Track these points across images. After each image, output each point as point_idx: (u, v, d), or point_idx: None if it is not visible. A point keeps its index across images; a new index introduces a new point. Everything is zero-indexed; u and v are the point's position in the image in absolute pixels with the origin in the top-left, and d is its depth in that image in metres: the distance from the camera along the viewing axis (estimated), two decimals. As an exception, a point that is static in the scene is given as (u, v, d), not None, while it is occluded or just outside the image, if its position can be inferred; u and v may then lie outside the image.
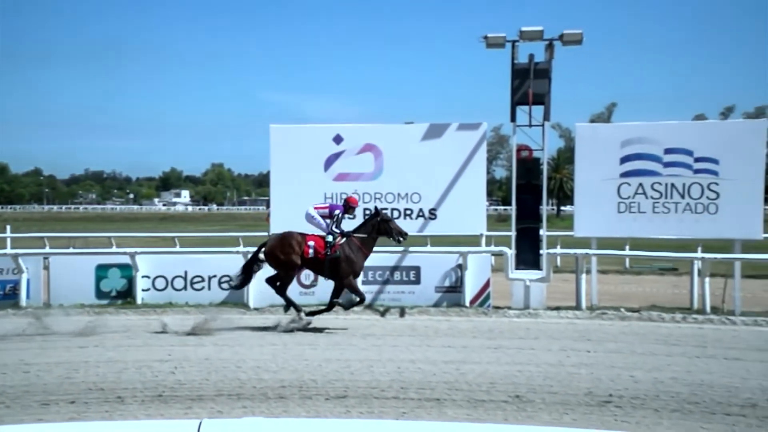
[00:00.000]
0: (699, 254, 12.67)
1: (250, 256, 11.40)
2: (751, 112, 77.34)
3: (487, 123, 12.92)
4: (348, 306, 10.88)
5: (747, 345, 9.25)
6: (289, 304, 10.72)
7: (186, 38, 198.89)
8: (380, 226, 10.80)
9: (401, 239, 10.93)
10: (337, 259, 10.56)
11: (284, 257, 10.63)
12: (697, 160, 11.89)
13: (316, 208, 11.10)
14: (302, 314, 10.57)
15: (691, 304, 12.00)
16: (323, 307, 10.88)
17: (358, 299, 10.74)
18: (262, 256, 10.94)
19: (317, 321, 10.56)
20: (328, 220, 10.83)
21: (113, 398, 6.84)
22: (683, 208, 11.96)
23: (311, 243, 10.63)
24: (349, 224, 11.06)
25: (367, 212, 12.86)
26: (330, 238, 10.65)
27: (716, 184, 11.77)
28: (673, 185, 12.01)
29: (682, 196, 11.95)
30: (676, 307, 11.90)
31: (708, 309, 11.50)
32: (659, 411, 6.37)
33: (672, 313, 11.34)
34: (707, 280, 11.71)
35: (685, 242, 14.67)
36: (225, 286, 12.85)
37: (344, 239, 10.74)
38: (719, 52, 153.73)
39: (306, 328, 10.33)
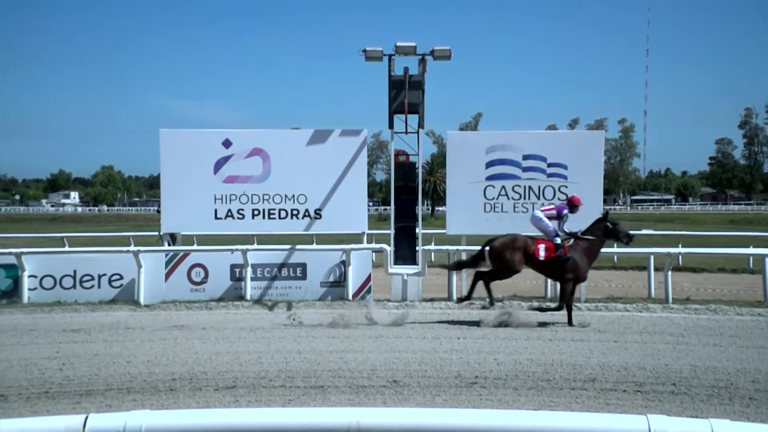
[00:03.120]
0: (552, 249, 13.39)
1: (476, 252, 10.80)
2: (592, 124, 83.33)
3: (367, 129, 13.03)
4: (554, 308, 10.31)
5: (590, 328, 9.82)
6: (489, 296, 10.43)
7: (73, 40, 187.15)
8: (608, 230, 10.38)
9: (628, 241, 10.53)
10: (568, 260, 10.12)
11: (511, 258, 10.20)
12: (549, 165, 12.50)
13: (543, 210, 10.66)
14: (494, 305, 10.38)
15: (546, 293, 12.68)
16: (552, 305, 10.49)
17: (557, 305, 10.27)
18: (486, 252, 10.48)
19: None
20: (554, 222, 10.39)
21: (-4, 397, 6.36)
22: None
23: (542, 246, 10.20)
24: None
25: (256, 212, 12.70)
26: (559, 240, 10.20)
27: (566, 186, 12.42)
28: (530, 188, 12.58)
29: (538, 197, 12.54)
30: (533, 296, 12.53)
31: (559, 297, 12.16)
32: (518, 389, 6.67)
33: (530, 301, 11.91)
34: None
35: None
36: (115, 284, 12.28)
37: (572, 241, 10.29)
38: (565, 71, 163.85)
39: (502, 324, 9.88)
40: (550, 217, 10.50)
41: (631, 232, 10.90)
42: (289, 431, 2.87)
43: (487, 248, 10.53)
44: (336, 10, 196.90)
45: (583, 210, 12.32)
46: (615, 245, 17.82)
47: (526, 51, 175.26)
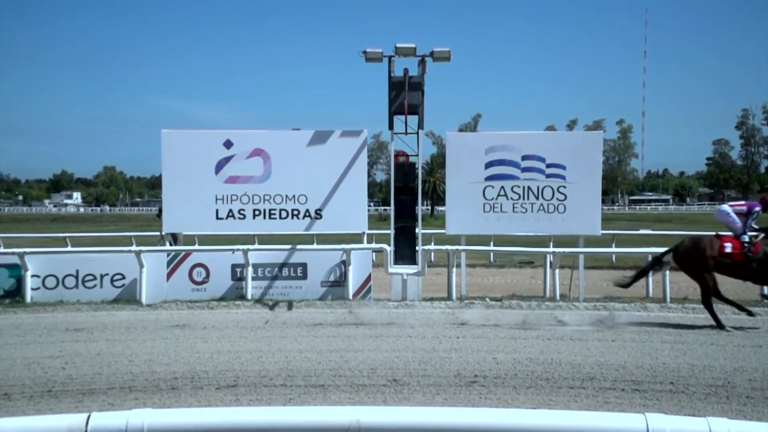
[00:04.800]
0: (550, 249, 13.40)
1: (653, 257, 10.43)
2: (591, 125, 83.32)
3: (367, 130, 12.96)
4: None
5: (589, 327, 9.81)
6: (737, 306, 9.79)
7: (76, 42, 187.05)
8: None
9: None
10: (760, 259, 9.43)
11: (700, 259, 9.69)
12: (548, 165, 12.43)
13: (731, 206, 10.01)
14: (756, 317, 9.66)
15: (545, 293, 12.66)
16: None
17: None
18: (666, 259, 10.11)
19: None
20: (741, 219, 9.69)
21: (-1, 396, 6.36)
22: (538, 208, 12.51)
23: (728, 244, 9.56)
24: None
25: (257, 213, 12.69)
26: (746, 238, 9.52)
27: (564, 187, 12.38)
28: (529, 188, 12.53)
29: (537, 198, 12.51)
30: (532, 296, 12.51)
31: (558, 296, 12.18)
32: (517, 388, 6.66)
33: (528, 300, 11.89)
34: (557, 271, 12.38)
35: (540, 238, 15.49)
36: (117, 283, 12.27)
37: (761, 238, 9.55)
38: (563, 72, 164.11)
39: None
40: (738, 213, 9.81)
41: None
42: (289, 430, 2.87)
43: (670, 255, 10.17)
44: (336, 11, 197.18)
45: (582, 210, 12.36)
46: (613, 245, 17.92)
47: (524, 52, 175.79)
